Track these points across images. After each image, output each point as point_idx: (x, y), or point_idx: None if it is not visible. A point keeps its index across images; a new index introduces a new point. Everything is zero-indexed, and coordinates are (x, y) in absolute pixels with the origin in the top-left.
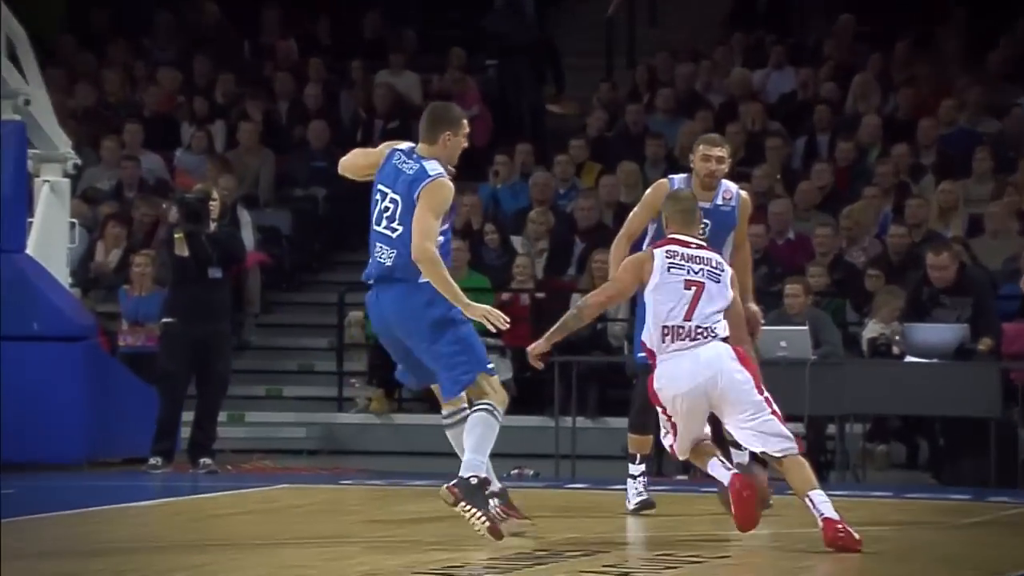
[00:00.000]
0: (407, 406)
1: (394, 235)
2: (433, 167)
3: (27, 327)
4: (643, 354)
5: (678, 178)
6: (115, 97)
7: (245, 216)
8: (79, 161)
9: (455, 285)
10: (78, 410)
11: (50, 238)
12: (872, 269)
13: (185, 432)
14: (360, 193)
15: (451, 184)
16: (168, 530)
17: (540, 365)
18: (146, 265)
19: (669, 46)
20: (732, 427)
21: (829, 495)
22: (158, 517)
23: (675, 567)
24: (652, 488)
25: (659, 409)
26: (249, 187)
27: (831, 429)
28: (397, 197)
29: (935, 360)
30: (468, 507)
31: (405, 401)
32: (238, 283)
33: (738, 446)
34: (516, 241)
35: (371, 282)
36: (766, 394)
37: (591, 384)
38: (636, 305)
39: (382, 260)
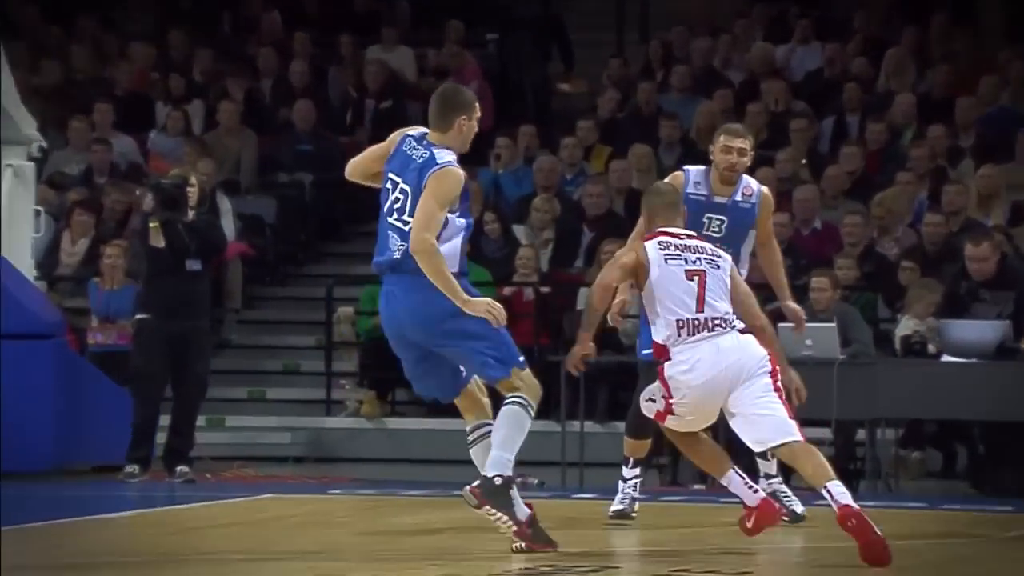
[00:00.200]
0: (401, 409)
1: (406, 228)
2: (443, 155)
3: None
4: (648, 351)
5: (694, 170)
6: (84, 74)
7: (225, 203)
8: (45, 144)
9: (453, 280)
10: (45, 414)
11: (13, 227)
12: (906, 261)
13: (160, 438)
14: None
15: (461, 173)
16: (142, 544)
17: (582, 368)
18: (118, 257)
19: (685, 19)
20: (738, 406)
21: (858, 505)
22: (131, 530)
23: None
24: (666, 499)
25: (660, 389)
26: (229, 172)
27: (861, 435)
28: (407, 188)
29: (974, 360)
30: (492, 510)
31: (399, 404)
32: (218, 276)
33: (764, 456)
34: (519, 231)
35: (381, 277)
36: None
37: (600, 386)
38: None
39: (394, 251)
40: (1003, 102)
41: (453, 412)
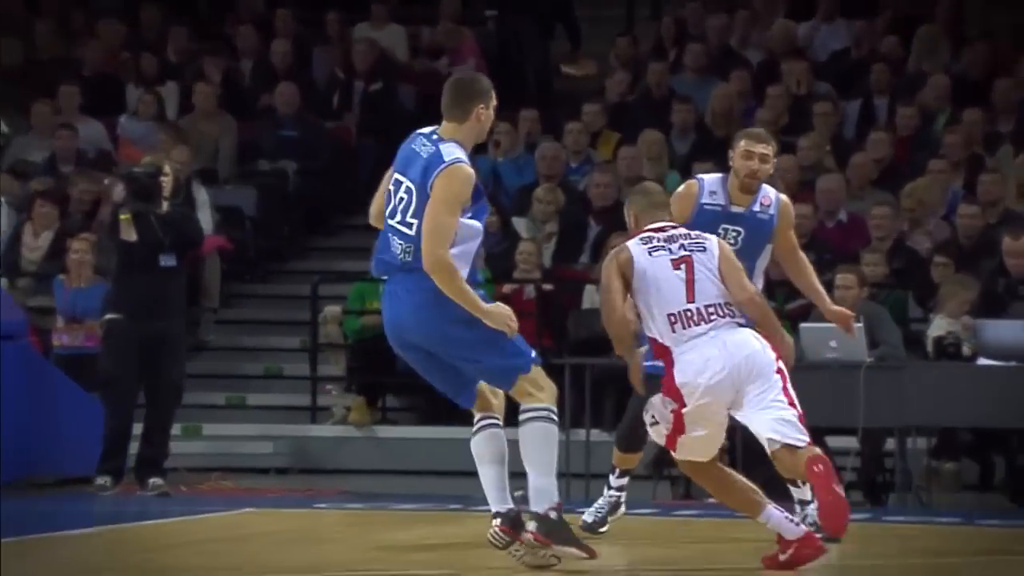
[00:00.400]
0: (391, 417)
1: (411, 230)
2: (450, 151)
3: None
4: (651, 363)
5: (709, 179)
6: (48, 53)
7: (202, 194)
8: (6, 129)
9: (473, 294)
10: (8, 422)
11: None
12: (938, 256)
13: (132, 447)
14: (337, 167)
15: (470, 170)
16: (113, 562)
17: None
18: (85, 251)
19: None
20: (749, 407)
21: (888, 521)
22: (99, 546)
23: None
24: (679, 513)
25: (669, 403)
26: (206, 160)
27: (890, 444)
28: (412, 186)
29: (1012, 363)
30: (562, 548)
31: (389, 411)
32: (194, 273)
33: (795, 484)
34: (519, 223)
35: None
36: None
37: (608, 391)
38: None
39: (398, 253)
40: None
41: (447, 420)
